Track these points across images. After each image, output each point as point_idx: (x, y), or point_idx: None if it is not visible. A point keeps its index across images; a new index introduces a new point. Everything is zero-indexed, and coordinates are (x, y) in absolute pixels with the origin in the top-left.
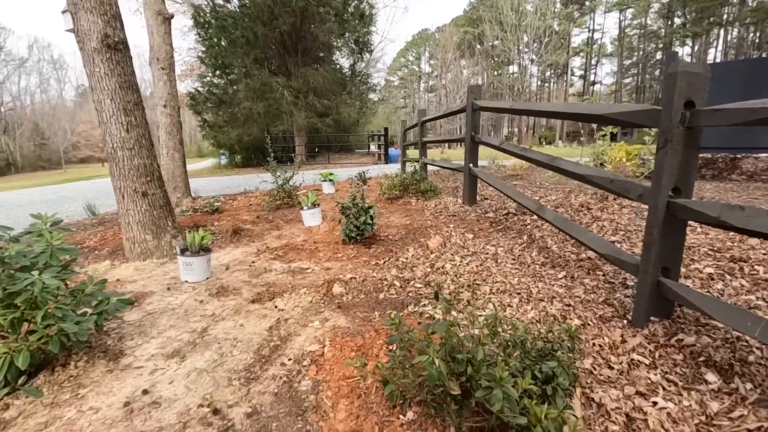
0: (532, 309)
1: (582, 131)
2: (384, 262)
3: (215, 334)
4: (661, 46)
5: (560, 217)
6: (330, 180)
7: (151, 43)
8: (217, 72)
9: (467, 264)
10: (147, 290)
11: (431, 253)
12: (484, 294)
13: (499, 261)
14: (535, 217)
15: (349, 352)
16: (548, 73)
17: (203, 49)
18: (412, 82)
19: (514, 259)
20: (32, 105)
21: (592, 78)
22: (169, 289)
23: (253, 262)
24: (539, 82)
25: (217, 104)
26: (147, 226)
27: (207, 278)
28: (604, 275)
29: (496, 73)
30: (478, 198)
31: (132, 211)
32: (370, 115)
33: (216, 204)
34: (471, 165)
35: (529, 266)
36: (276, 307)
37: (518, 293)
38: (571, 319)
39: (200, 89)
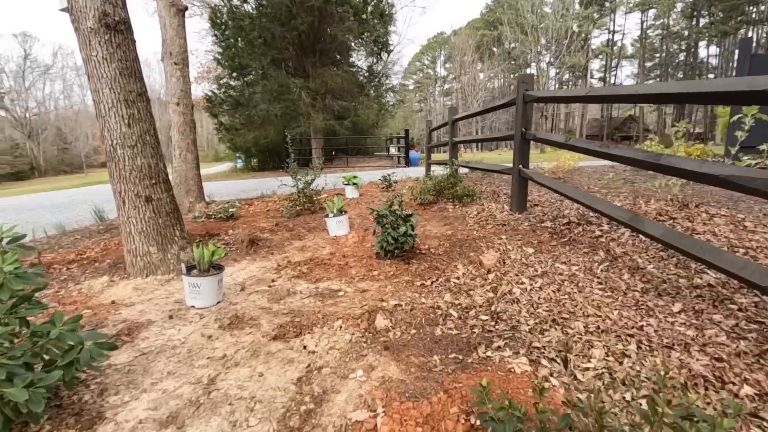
0: (662, 363)
1: (602, 133)
2: (432, 284)
3: (226, 389)
4: (684, 46)
5: (672, 232)
6: (354, 184)
7: (163, 37)
8: (234, 74)
9: (540, 288)
10: (144, 318)
11: (488, 272)
12: (578, 333)
13: (580, 285)
14: (605, 227)
15: (414, 428)
16: (567, 76)
17: (220, 50)
18: (428, 86)
19: (600, 283)
20: (56, 110)
21: (612, 80)
22: (171, 317)
23: (273, 280)
24: (557, 85)
25: (233, 106)
26: (151, 237)
27: (218, 302)
28: (741, 310)
29: (512, 76)
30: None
31: (134, 218)
32: (389, 118)
33: (231, 210)
34: (521, 166)
35: (625, 293)
36: (305, 347)
37: (629, 335)
38: (735, 384)
39: (216, 91)
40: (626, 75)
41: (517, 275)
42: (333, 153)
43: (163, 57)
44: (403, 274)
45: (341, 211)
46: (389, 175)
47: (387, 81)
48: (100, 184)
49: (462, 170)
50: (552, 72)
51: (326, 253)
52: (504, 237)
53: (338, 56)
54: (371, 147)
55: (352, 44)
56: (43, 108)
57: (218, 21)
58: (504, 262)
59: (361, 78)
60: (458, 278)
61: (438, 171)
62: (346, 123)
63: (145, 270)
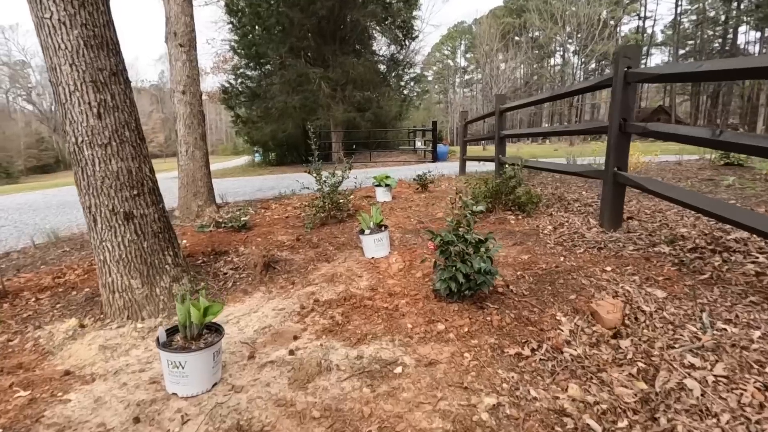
0: None
1: None
2: (533, 353)
3: None
4: (720, 32)
5: None
6: (386, 185)
7: (167, 14)
8: (251, 63)
9: (729, 381)
10: (94, 423)
11: (614, 335)
12: None
13: None
14: (762, 259)
15: None
16: (593, 65)
17: (236, 38)
18: (448, 77)
19: None
20: None
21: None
22: (137, 420)
23: (295, 337)
24: (582, 74)
25: (250, 98)
26: (133, 266)
27: (213, 386)
28: None
29: (535, 66)
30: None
31: (109, 243)
32: (413, 109)
33: (244, 218)
34: (617, 168)
35: None
36: None
37: None
38: None
39: (233, 82)
40: (655, 64)
41: (671, 346)
42: (354, 147)
43: (166, 38)
44: (483, 332)
45: (380, 226)
46: (425, 174)
47: (411, 70)
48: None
49: (476, 166)
50: (576, 61)
51: (365, 285)
52: (609, 269)
53: (359, 45)
54: (392, 141)
55: (375, 30)
56: None
57: (234, 7)
58: (636, 318)
59: (385, 66)
60: (569, 342)
61: (475, 168)
62: (368, 115)
63: (126, 310)
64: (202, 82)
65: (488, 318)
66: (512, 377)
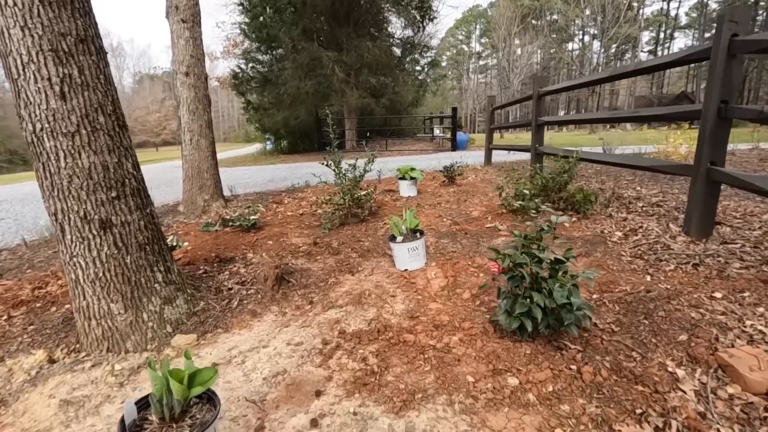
0: None
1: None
2: None
3: None
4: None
5: None
6: (412, 178)
7: None
8: (262, 47)
9: None
10: None
11: (762, 406)
12: None
13: None
14: None
15: None
16: (612, 50)
17: (246, 20)
18: (462, 63)
19: None
20: None
21: (664, 53)
22: None
23: (317, 393)
24: (604, 61)
25: (262, 84)
26: (112, 287)
27: None
28: None
29: (552, 50)
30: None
31: (82, 258)
32: (431, 94)
33: (253, 217)
34: (710, 163)
35: None
36: None
37: None
38: None
39: (243, 67)
40: (679, 48)
41: None
42: (368, 135)
43: (167, 13)
44: (573, 392)
45: (416, 232)
46: (453, 165)
47: (427, 54)
48: (166, 160)
49: (503, 156)
50: (597, 45)
51: (401, 310)
52: (719, 296)
53: (374, 27)
54: (407, 128)
55: (390, 12)
56: None
57: None
58: None
59: (401, 50)
60: (704, 416)
61: (503, 159)
62: (383, 101)
63: (106, 341)
64: (213, 67)
65: (574, 367)
66: None
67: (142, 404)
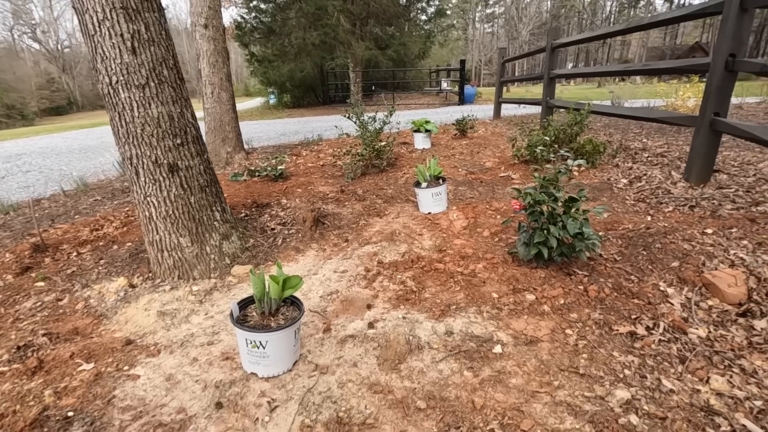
0: None
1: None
2: (648, 333)
3: None
4: None
5: None
6: (427, 130)
7: None
8: None
9: None
10: (174, 408)
11: (743, 313)
12: None
13: None
14: None
15: None
16: None
17: None
18: (468, 11)
19: None
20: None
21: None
22: (219, 406)
23: (368, 306)
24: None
25: (265, 34)
26: (181, 223)
27: (294, 364)
28: None
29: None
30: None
31: (154, 198)
32: (438, 46)
33: (280, 167)
34: (714, 114)
35: None
36: None
37: None
38: None
39: (246, 16)
40: None
41: None
42: (373, 88)
43: None
44: (581, 304)
45: (439, 178)
46: (465, 118)
47: (434, 1)
48: None
49: (513, 110)
50: None
51: (429, 246)
52: (710, 231)
53: None
54: (412, 81)
55: None
56: (74, 40)
57: None
58: (767, 294)
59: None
60: (686, 320)
61: (513, 112)
62: (390, 53)
63: (176, 270)
64: None
65: (581, 287)
66: (632, 362)
67: (242, 304)
